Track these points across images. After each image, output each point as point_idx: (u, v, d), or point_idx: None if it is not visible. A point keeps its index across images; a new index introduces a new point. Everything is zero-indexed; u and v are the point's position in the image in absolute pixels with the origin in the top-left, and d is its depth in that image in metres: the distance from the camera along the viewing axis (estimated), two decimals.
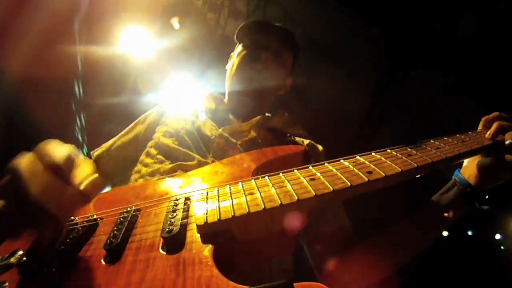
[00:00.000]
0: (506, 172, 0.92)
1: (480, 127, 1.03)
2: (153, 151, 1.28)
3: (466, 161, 1.02)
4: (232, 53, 1.57)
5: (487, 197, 0.94)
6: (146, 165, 1.24)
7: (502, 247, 6.29)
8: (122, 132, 1.46)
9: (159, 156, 1.24)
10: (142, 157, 1.30)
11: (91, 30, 3.22)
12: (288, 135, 1.39)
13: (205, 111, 1.44)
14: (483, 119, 1.02)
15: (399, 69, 4.01)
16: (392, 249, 1.03)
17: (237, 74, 1.42)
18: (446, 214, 0.97)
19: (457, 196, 0.98)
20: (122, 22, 3.54)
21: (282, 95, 1.59)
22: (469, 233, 6.30)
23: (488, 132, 0.95)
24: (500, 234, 6.28)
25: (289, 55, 1.50)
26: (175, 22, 3.77)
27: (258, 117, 1.35)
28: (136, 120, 1.49)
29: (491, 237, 6.33)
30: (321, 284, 0.55)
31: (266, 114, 1.44)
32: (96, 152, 1.42)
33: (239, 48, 1.52)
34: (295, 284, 0.54)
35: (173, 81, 3.94)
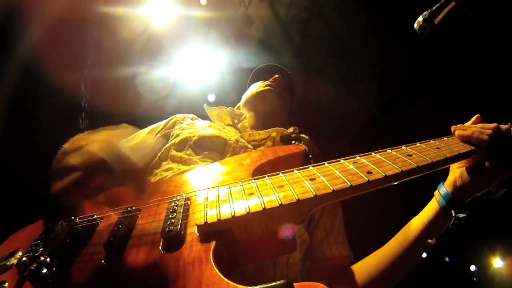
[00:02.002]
0: (488, 176, 0.94)
1: None
2: (163, 163, 1.26)
3: (450, 173, 1.03)
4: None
5: (465, 214, 0.96)
6: (155, 175, 1.23)
7: (474, 279, 6.41)
8: (124, 140, 1.44)
9: (169, 165, 1.22)
10: (150, 168, 1.29)
11: None
12: (293, 142, 1.40)
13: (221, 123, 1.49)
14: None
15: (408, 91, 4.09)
16: (382, 272, 1.04)
17: (256, 93, 1.59)
18: (428, 230, 1.00)
19: (436, 210, 1.00)
20: None
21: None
22: (446, 259, 6.36)
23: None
24: (475, 265, 6.37)
25: (288, 95, 1.67)
26: None
27: (275, 128, 1.39)
28: (140, 131, 1.45)
29: (466, 267, 6.43)
30: (321, 284, 0.55)
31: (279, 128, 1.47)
32: None
33: (255, 84, 1.68)
34: (295, 284, 0.54)
35: (187, 54, 3.90)
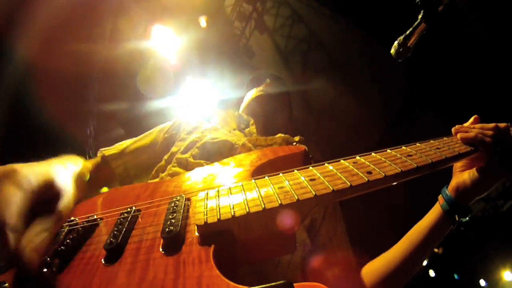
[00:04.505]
0: (490, 179, 0.95)
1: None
2: (168, 166, 1.26)
3: (453, 177, 1.04)
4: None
5: (468, 218, 0.97)
6: (160, 179, 1.22)
7: None
8: (135, 139, 1.44)
9: (174, 169, 1.22)
10: (155, 171, 1.29)
11: (116, 25, 3.25)
12: (294, 143, 1.41)
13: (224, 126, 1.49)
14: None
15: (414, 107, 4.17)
16: (388, 276, 1.06)
17: (251, 100, 1.63)
18: (432, 234, 1.01)
19: (440, 214, 1.00)
20: (149, 19, 3.58)
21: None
22: (455, 276, 6.32)
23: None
24: (485, 280, 6.32)
25: (284, 96, 1.69)
26: (202, 20, 3.81)
27: (281, 135, 1.39)
28: (151, 130, 1.48)
29: (475, 282, 6.38)
30: (321, 285, 0.55)
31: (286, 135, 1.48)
32: (108, 152, 1.37)
33: (250, 92, 1.70)
34: (295, 284, 0.54)
35: (188, 84, 4.01)
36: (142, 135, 1.45)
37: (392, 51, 1.08)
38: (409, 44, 1.04)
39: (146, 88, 3.79)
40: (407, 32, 1.04)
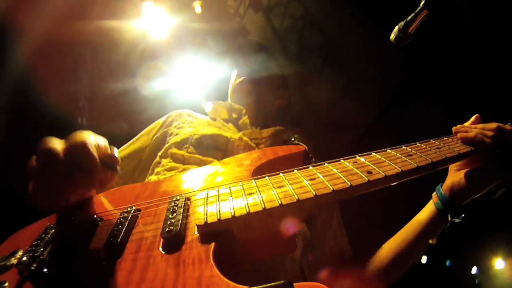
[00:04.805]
0: (486, 181, 0.95)
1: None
2: (164, 161, 1.26)
3: (449, 176, 1.03)
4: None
5: (462, 215, 0.97)
6: (157, 174, 1.23)
7: (476, 281, 6.41)
8: (123, 146, 1.44)
9: (171, 164, 1.22)
10: (151, 169, 1.29)
11: (106, 1, 3.23)
12: (292, 139, 1.40)
13: (218, 118, 1.47)
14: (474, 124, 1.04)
15: (405, 94, 4.14)
16: (381, 270, 1.06)
17: (233, 89, 1.55)
18: (425, 232, 1.02)
19: (433, 213, 1.00)
20: None
21: (285, 105, 1.63)
22: (447, 263, 6.37)
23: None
24: (477, 267, 6.38)
25: (270, 71, 1.59)
26: (197, 5, 3.77)
27: (276, 128, 1.38)
28: (138, 135, 1.48)
29: (467, 270, 6.43)
30: (321, 285, 0.55)
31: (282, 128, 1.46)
32: None
33: (232, 75, 1.62)
34: (295, 284, 0.54)
35: (183, 65, 3.94)
36: (129, 142, 1.45)
37: (392, 36, 1.05)
38: (409, 31, 1.02)
39: (144, 84, 3.76)
40: (408, 18, 1.01)
